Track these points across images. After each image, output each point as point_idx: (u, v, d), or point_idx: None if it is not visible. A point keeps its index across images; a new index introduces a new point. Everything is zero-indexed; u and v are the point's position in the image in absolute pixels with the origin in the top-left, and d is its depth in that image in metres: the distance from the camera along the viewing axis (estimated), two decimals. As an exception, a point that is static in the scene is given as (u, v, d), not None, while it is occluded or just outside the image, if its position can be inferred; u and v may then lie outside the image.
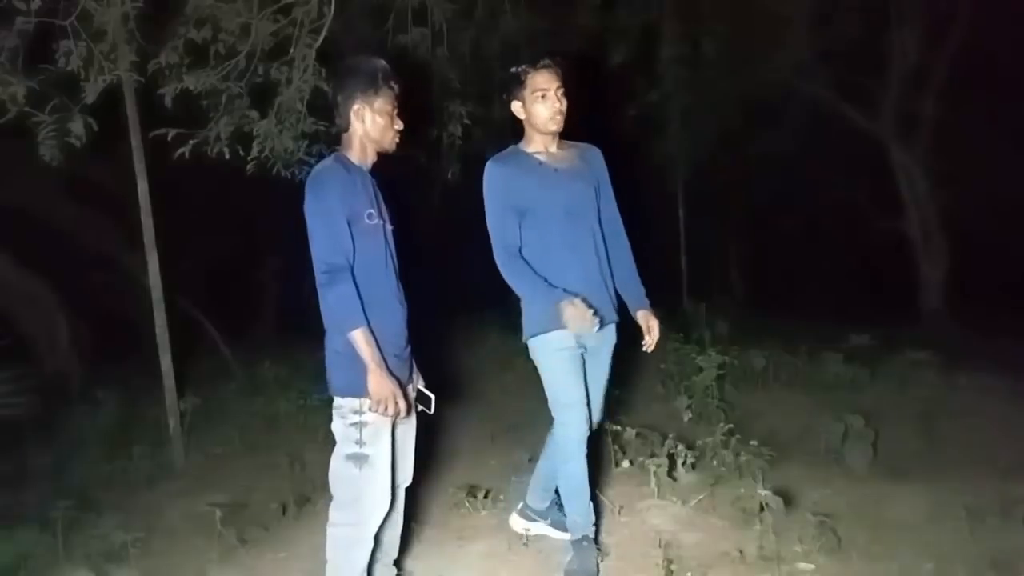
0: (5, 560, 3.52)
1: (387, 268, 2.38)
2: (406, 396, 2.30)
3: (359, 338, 2.19)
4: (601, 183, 2.75)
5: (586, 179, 2.69)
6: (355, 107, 2.34)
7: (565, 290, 2.53)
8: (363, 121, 2.35)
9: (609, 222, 2.77)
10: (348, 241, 2.24)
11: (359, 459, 2.27)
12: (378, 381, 2.20)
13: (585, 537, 2.74)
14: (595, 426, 2.75)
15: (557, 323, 2.52)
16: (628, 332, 2.76)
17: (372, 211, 2.32)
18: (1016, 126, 7.37)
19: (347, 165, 2.34)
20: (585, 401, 2.66)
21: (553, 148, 2.69)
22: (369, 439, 2.27)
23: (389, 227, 2.44)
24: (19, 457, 5.06)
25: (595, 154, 2.78)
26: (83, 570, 3.23)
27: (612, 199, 2.79)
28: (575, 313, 2.46)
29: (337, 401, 2.31)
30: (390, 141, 2.41)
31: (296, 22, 4.11)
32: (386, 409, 2.21)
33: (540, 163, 2.66)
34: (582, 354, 2.65)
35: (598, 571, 2.72)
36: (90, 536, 3.64)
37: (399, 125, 2.41)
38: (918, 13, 7.52)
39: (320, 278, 2.21)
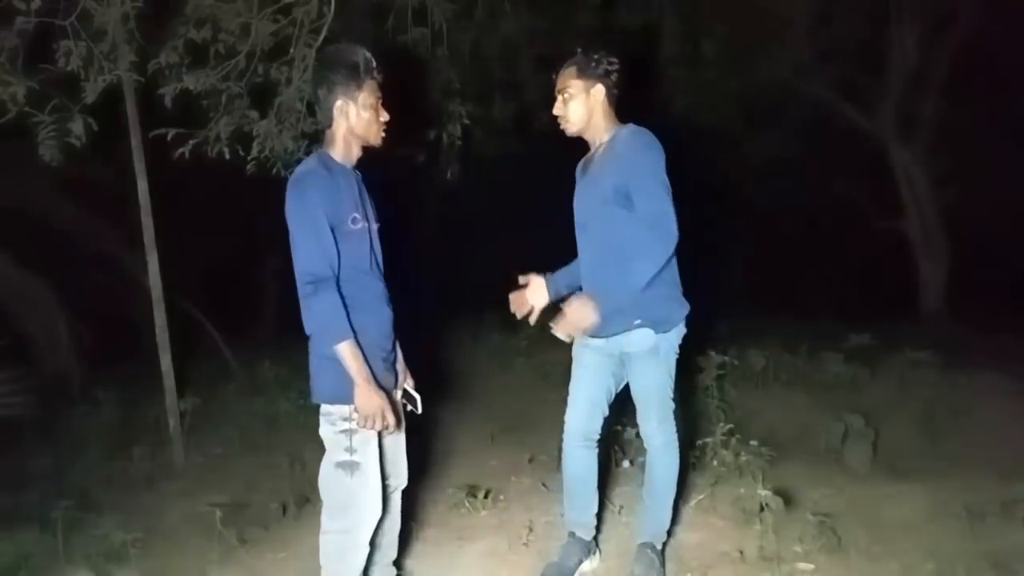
0: (5, 560, 3.52)
1: (372, 269, 2.31)
2: (394, 406, 2.26)
3: (345, 351, 2.13)
4: (630, 183, 2.39)
5: (598, 187, 2.48)
6: (338, 103, 2.25)
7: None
8: (348, 117, 2.26)
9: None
10: (333, 250, 2.16)
11: (350, 466, 2.23)
12: (366, 396, 2.14)
13: (572, 533, 2.76)
14: (650, 438, 2.63)
15: None
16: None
17: (356, 214, 2.24)
18: (1016, 126, 7.37)
19: (329, 166, 2.25)
20: (580, 402, 2.64)
21: (593, 149, 2.58)
22: (359, 446, 2.23)
23: (374, 226, 2.36)
24: (19, 457, 5.06)
25: (627, 148, 2.44)
26: (83, 570, 3.23)
27: (643, 201, 2.37)
28: (561, 316, 2.47)
29: (325, 408, 2.25)
30: (376, 135, 2.32)
31: (296, 22, 4.10)
32: (374, 424, 2.17)
33: (582, 167, 2.63)
34: (616, 359, 2.61)
35: (576, 567, 2.72)
36: (90, 536, 3.64)
37: (384, 117, 2.32)
38: (918, 13, 7.51)
39: (304, 288, 2.14)
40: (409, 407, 2.52)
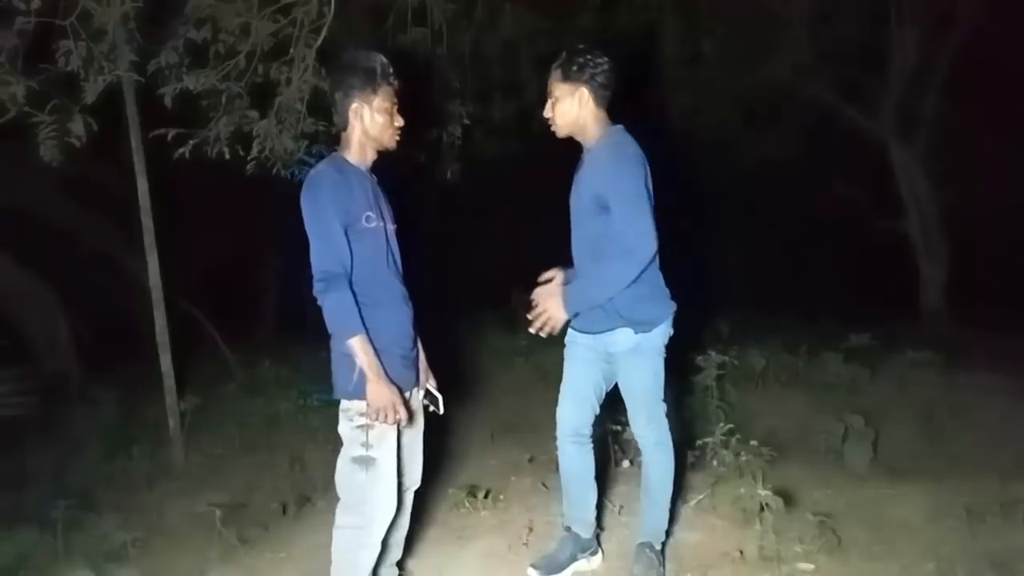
0: (5, 560, 3.52)
1: (389, 269, 2.35)
2: (406, 402, 2.28)
3: (357, 346, 2.16)
4: (607, 196, 2.39)
5: (580, 192, 2.53)
6: (353, 105, 2.29)
7: None
8: (362, 120, 2.30)
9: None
10: (344, 248, 2.20)
11: (365, 462, 2.25)
12: (376, 390, 2.17)
13: (568, 528, 2.77)
14: (641, 438, 2.64)
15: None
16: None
17: (370, 213, 2.28)
18: (1016, 126, 7.36)
19: (342, 167, 2.28)
20: (567, 398, 2.67)
21: (585, 150, 2.57)
22: (375, 441, 2.25)
23: (391, 227, 2.40)
24: (19, 457, 5.06)
25: (603, 159, 2.45)
26: (83, 570, 3.23)
27: (617, 219, 2.37)
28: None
29: (344, 403, 2.28)
30: (390, 139, 2.36)
31: (296, 22, 4.10)
32: (386, 417, 2.19)
33: (578, 167, 2.62)
34: (604, 356, 2.62)
35: (568, 562, 2.73)
36: (90, 536, 3.64)
37: (399, 122, 2.36)
38: (918, 13, 7.51)
39: (316, 285, 2.18)
40: (431, 408, 2.53)
